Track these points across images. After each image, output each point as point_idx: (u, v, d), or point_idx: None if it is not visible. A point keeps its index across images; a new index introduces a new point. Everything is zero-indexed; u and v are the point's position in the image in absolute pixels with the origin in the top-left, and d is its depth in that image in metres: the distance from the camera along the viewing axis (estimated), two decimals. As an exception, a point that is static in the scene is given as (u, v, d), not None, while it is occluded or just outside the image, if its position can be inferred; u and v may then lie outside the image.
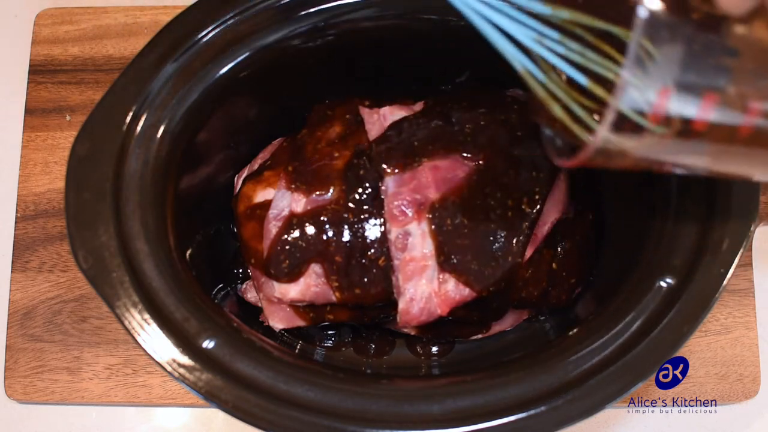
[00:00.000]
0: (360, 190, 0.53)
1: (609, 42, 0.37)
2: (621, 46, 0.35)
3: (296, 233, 0.53)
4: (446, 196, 0.52)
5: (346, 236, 0.53)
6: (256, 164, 0.59)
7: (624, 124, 0.34)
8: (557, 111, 0.36)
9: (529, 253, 0.53)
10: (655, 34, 0.33)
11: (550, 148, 0.40)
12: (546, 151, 0.41)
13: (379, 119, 0.56)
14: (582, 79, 0.35)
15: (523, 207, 0.53)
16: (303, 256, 0.53)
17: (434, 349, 0.61)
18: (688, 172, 0.40)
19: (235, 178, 0.60)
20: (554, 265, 0.56)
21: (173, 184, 0.52)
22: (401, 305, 0.53)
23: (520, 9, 0.37)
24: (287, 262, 0.53)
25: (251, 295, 0.59)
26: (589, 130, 0.36)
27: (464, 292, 0.53)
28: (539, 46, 0.36)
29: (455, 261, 0.52)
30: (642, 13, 0.32)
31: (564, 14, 0.38)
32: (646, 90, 0.33)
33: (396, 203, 0.52)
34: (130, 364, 0.61)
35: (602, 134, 0.34)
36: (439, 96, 0.58)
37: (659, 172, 0.40)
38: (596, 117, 0.36)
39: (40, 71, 0.68)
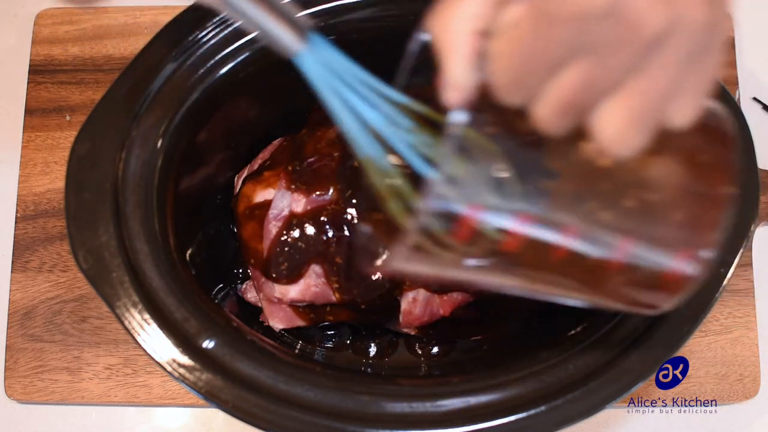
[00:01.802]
0: (361, 190, 0.53)
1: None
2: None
3: (296, 233, 0.53)
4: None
5: (347, 236, 0.53)
6: (256, 164, 0.59)
7: (430, 235, 0.32)
8: (392, 206, 0.34)
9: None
10: (470, 148, 0.31)
11: (364, 252, 0.39)
12: (358, 257, 0.39)
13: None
14: (427, 170, 0.33)
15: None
16: (303, 257, 0.53)
17: (434, 349, 0.60)
18: (503, 291, 0.37)
19: (235, 178, 0.60)
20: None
21: (173, 184, 0.52)
22: (404, 306, 0.53)
23: (378, 93, 0.35)
24: (287, 262, 0.53)
25: (251, 295, 0.59)
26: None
27: (466, 293, 0.53)
28: (391, 133, 0.34)
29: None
30: (455, 121, 0.31)
31: (418, 107, 0.36)
32: (454, 205, 0.32)
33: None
34: (130, 364, 0.61)
35: (399, 254, 0.32)
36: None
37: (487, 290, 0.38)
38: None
39: (40, 71, 0.68)
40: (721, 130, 0.36)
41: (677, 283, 0.36)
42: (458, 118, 0.31)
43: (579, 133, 0.31)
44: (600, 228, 0.34)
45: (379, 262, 0.36)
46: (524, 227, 0.33)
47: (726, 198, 0.35)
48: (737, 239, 0.47)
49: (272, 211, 0.54)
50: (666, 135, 0.32)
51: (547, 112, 0.30)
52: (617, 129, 0.29)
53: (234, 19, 0.35)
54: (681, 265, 0.35)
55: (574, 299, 0.38)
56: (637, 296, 0.37)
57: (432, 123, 0.35)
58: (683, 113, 0.31)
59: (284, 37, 0.34)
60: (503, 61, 0.29)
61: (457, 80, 0.30)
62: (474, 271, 0.35)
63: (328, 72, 0.35)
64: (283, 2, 0.34)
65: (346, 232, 0.53)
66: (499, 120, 0.32)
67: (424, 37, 0.35)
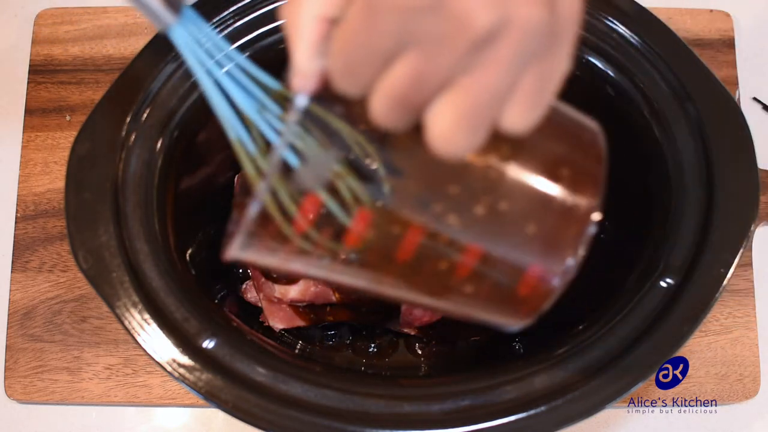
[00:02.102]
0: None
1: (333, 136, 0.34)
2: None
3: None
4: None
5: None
6: (256, 164, 0.59)
7: (269, 227, 0.31)
8: (260, 189, 0.33)
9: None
10: (316, 132, 0.31)
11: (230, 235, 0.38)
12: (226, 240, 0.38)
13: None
14: (293, 159, 0.32)
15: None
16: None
17: (434, 349, 0.60)
18: (353, 289, 0.37)
19: (235, 178, 0.60)
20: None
21: (173, 184, 0.52)
22: (403, 306, 0.53)
23: (251, 77, 0.34)
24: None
25: (251, 295, 0.59)
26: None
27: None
28: (260, 118, 0.33)
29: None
30: (297, 106, 0.30)
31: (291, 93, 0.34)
32: (293, 193, 0.31)
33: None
34: (130, 364, 0.61)
35: (242, 234, 0.32)
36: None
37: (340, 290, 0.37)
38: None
39: (40, 71, 0.68)
40: (590, 143, 0.35)
41: (530, 296, 0.35)
42: (299, 102, 0.30)
43: (414, 130, 0.30)
44: (447, 232, 0.33)
45: (224, 251, 0.35)
46: (364, 225, 0.32)
47: (587, 214, 0.33)
48: (737, 239, 0.47)
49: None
50: (523, 142, 0.31)
51: (380, 105, 0.29)
52: (445, 127, 0.29)
53: None
54: (533, 276, 0.34)
55: (424, 304, 0.37)
56: (487, 307, 0.36)
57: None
58: (518, 118, 0.29)
59: (156, 8, 0.33)
60: (335, 50, 0.29)
61: (301, 66, 0.30)
62: (317, 267, 0.35)
63: (200, 48, 0.34)
64: None
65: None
66: (347, 110, 0.31)
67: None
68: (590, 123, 0.35)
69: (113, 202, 0.48)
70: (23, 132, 0.67)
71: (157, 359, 0.45)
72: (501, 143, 0.31)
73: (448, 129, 0.29)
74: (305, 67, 0.30)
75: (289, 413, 0.44)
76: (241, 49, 0.52)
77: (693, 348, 0.61)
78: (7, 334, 0.62)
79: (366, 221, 0.32)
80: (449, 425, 0.44)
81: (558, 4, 0.28)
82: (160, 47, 0.51)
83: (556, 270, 0.34)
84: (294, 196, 0.32)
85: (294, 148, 0.31)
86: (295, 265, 0.35)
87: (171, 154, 0.51)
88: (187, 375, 0.45)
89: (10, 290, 0.63)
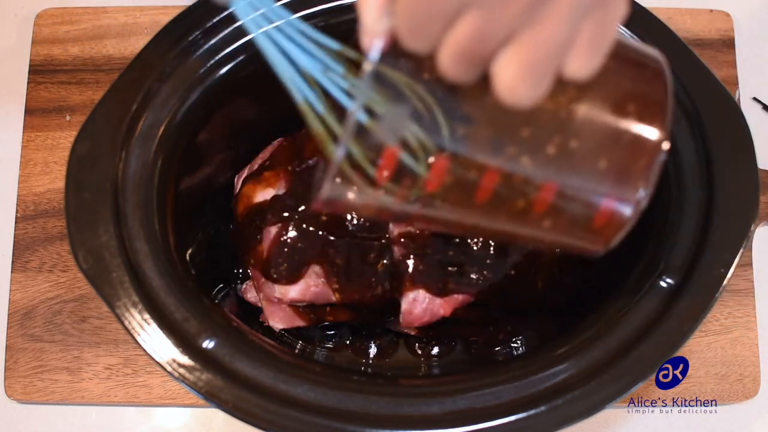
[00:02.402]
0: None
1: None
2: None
3: (296, 234, 0.53)
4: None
5: (347, 236, 0.53)
6: (256, 164, 0.59)
7: (354, 173, 0.33)
8: (330, 150, 0.34)
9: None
10: (387, 90, 0.32)
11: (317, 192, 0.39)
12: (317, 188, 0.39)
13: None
14: (362, 116, 0.33)
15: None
16: (302, 257, 0.53)
17: (434, 349, 0.60)
18: (437, 227, 0.38)
19: (235, 179, 0.60)
20: (552, 266, 0.56)
21: (173, 184, 0.52)
22: (404, 306, 0.53)
23: (311, 40, 0.35)
24: (287, 263, 0.53)
25: (251, 295, 0.59)
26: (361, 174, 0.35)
27: (467, 294, 0.53)
28: (324, 78, 0.34)
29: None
30: (370, 64, 0.31)
31: (351, 53, 0.36)
32: (374, 144, 0.32)
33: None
34: (130, 364, 0.61)
35: (328, 184, 0.33)
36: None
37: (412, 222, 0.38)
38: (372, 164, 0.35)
39: (40, 71, 0.68)
40: (654, 74, 0.35)
41: (605, 227, 0.36)
42: (371, 58, 0.32)
43: (482, 81, 0.31)
44: (521, 173, 0.34)
45: (317, 195, 0.36)
46: (443, 171, 0.33)
47: (656, 145, 0.34)
48: (737, 239, 0.47)
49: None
50: (589, 81, 0.32)
51: (448, 60, 0.30)
52: (511, 79, 0.30)
53: None
54: (608, 209, 0.35)
55: (506, 236, 0.38)
56: (565, 239, 0.37)
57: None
58: (580, 65, 0.31)
59: None
60: (402, 10, 0.30)
61: (370, 26, 0.31)
62: (403, 210, 0.36)
63: (262, 18, 0.35)
64: None
65: (347, 233, 0.53)
66: (416, 66, 0.32)
67: None
68: (653, 52, 0.36)
69: (113, 202, 0.48)
70: (23, 132, 0.67)
71: (157, 359, 0.45)
72: (567, 84, 0.32)
73: (513, 80, 0.30)
74: (374, 27, 0.31)
75: (289, 413, 0.44)
76: (241, 49, 0.52)
77: (693, 348, 0.61)
78: (7, 334, 0.62)
79: (443, 169, 0.33)
80: (449, 425, 0.44)
81: None
82: (160, 47, 0.51)
83: (630, 201, 0.35)
84: (371, 151, 0.33)
85: (366, 106, 0.32)
86: (382, 205, 0.36)
87: (171, 154, 0.51)
88: (187, 375, 0.45)
89: (10, 290, 0.63)
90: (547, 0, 0.29)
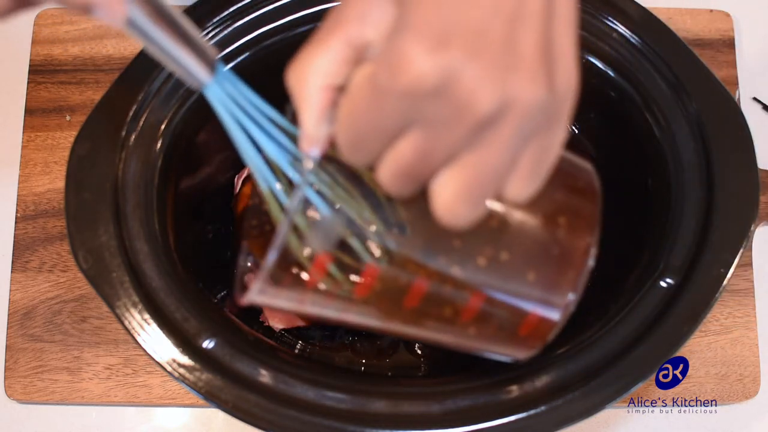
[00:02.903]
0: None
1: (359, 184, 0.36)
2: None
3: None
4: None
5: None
6: (256, 164, 0.59)
7: (279, 282, 0.34)
8: (277, 241, 0.34)
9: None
10: (323, 193, 0.32)
11: (239, 276, 0.40)
12: (237, 283, 0.40)
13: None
14: (325, 209, 0.34)
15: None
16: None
17: (434, 349, 0.60)
18: (366, 328, 0.39)
19: (235, 179, 0.60)
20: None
21: (173, 184, 0.52)
22: None
23: (281, 128, 0.35)
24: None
25: (251, 295, 0.59)
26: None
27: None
28: (293, 171, 0.34)
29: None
30: (306, 168, 0.32)
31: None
32: (306, 248, 0.33)
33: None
34: (130, 364, 0.61)
35: (259, 284, 0.34)
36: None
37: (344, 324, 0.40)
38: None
39: (40, 71, 0.68)
40: (585, 186, 0.36)
41: (532, 334, 0.37)
42: (308, 166, 0.32)
43: (425, 193, 0.31)
44: (451, 283, 0.34)
45: (242, 296, 0.37)
46: (372, 278, 0.34)
47: (584, 255, 0.35)
48: (737, 239, 0.47)
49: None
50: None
51: (386, 177, 0.30)
52: (448, 201, 0.30)
53: (145, 47, 0.35)
54: (535, 318, 0.36)
55: (432, 342, 0.39)
56: (491, 346, 0.38)
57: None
58: (519, 190, 0.31)
59: (193, 68, 0.34)
60: (343, 123, 0.30)
61: (309, 131, 0.32)
62: (329, 311, 0.37)
63: (232, 103, 0.35)
64: (191, 32, 0.34)
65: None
66: (352, 173, 0.33)
67: None
68: (584, 164, 0.37)
69: (113, 202, 0.48)
70: (23, 132, 0.67)
71: (157, 359, 0.45)
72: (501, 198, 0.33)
73: (451, 202, 0.30)
74: (313, 133, 0.32)
75: (289, 413, 0.44)
76: (241, 49, 0.52)
77: (693, 348, 0.61)
78: (7, 334, 0.62)
79: (373, 275, 0.34)
80: (449, 425, 0.44)
81: (556, 78, 0.29)
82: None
83: (557, 307, 0.35)
84: (305, 257, 0.34)
85: (311, 200, 0.33)
86: (310, 308, 0.37)
87: (171, 154, 0.51)
88: (187, 375, 0.45)
89: (10, 290, 0.63)
90: (490, 126, 0.28)
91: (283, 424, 0.44)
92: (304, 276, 0.34)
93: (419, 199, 0.31)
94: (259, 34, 0.53)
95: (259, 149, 0.35)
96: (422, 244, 0.34)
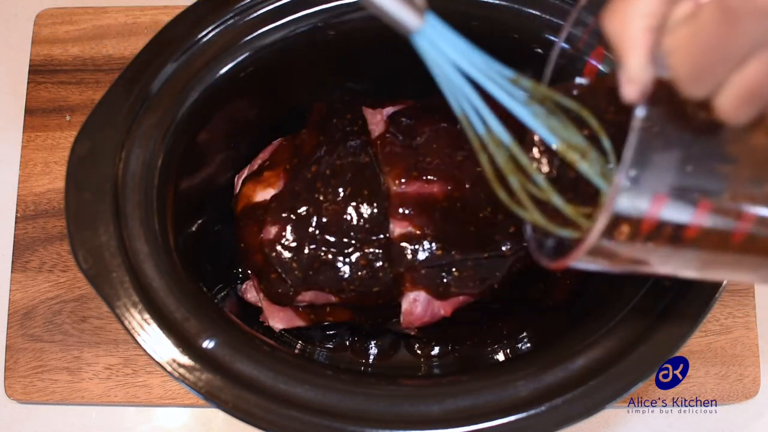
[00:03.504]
0: (361, 190, 0.53)
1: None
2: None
3: (294, 236, 0.53)
4: (451, 196, 0.52)
5: (348, 235, 0.53)
6: (256, 164, 0.59)
7: (614, 229, 0.33)
8: (514, 184, 0.36)
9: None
10: (651, 139, 0.32)
11: (535, 249, 0.39)
12: (531, 252, 0.39)
13: (383, 119, 0.56)
14: (551, 139, 0.35)
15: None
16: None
17: (434, 349, 0.60)
18: (679, 276, 0.39)
19: (235, 179, 0.60)
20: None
21: (173, 184, 0.52)
22: (405, 306, 0.53)
23: (494, 70, 0.36)
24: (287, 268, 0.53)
25: (251, 295, 0.59)
26: (576, 228, 0.36)
27: (468, 296, 0.53)
28: (520, 106, 0.35)
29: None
30: (639, 115, 0.31)
31: (527, 83, 0.37)
32: (640, 196, 0.32)
33: (401, 204, 0.52)
34: (130, 364, 0.61)
35: (592, 239, 0.33)
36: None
37: (645, 275, 0.39)
38: (583, 217, 0.36)
39: (40, 71, 0.68)
40: None
41: None
42: (641, 110, 0.32)
43: (758, 120, 0.32)
44: None
45: (557, 260, 0.37)
46: (705, 214, 0.34)
47: None
48: (737, 239, 0.47)
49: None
50: None
51: (730, 103, 0.31)
52: None
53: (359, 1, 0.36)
54: None
55: (740, 278, 0.39)
56: None
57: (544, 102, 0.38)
58: None
59: (403, 15, 0.35)
60: (685, 55, 0.30)
61: (636, 74, 0.32)
62: (652, 261, 0.36)
63: (444, 49, 0.36)
64: None
65: (347, 233, 0.53)
66: (675, 113, 0.33)
67: (563, 44, 0.40)
68: None
69: (113, 202, 0.48)
70: (23, 132, 0.67)
71: (157, 359, 0.45)
72: None
73: None
74: (641, 76, 0.32)
75: (289, 413, 0.44)
76: (241, 49, 0.52)
77: (693, 348, 0.61)
78: (7, 334, 0.62)
79: (706, 212, 0.34)
80: (449, 425, 0.44)
81: None
82: (160, 47, 0.51)
83: None
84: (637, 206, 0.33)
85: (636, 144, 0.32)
86: (627, 266, 0.37)
87: (171, 154, 0.51)
88: (187, 375, 0.45)
89: (10, 290, 0.63)
90: None
91: (283, 424, 0.44)
92: (624, 230, 0.33)
93: (743, 129, 0.32)
94: (259, 34, 0.53)
95: (470, 93, 0.35)
96: (751, 173, 0.34)
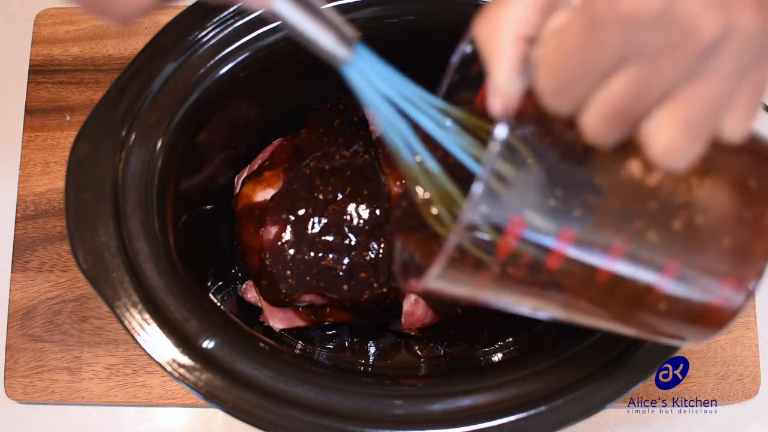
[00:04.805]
0: (362, 191, 0.53)
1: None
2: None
3: (293, 238, 0.53)
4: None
5: (348, 236, 0.53)
6: (255, 164, 0.59)
7: (463, 260, 0.31)
8: (436, 214, 0.34)
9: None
10: (514, 159, 0.30)
11: (400, 270, 0.38)
12: (395, 270, 0.38)
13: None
14: (490, 185, 0.31)
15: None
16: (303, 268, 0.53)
17: (434, 350, 0.60)
18: (544, 316, 0.36)
19: (235, 179, 0.60)
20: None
21: (173, 184, 0.52)
22: (406, 307, 0.53)
23: (422, 100, 0.34)
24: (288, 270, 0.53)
25: (251, 295, 0.59)
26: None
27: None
28: (438, 133, 0.33)
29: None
30: (499, 131, 0.29)
31: (457, 113, 0.35)
32: (496, 218, 0.30)
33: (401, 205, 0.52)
34: (130, 364, 0.61)
35: (436, 270, 0.32)
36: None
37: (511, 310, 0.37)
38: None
39: (40, 71, 0.68)
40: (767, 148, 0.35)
41: (717, 314, 0.35)
42: (502, 126, 0.29)
43: (625, 148, 0.30)
44: (647, 249, 0.32)
45: (413, 281, 0.35)
46: (568, 245, 0.32)
47: None
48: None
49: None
50: (715, 156, 0.31)
51: (594, 121, 0.29)
52: (670, 139, 0.28)
53: (283, 28, 0.35)
54: (725, 294, 0.34)
55: (604, 326, 0.37)
56: (673, 327, 0.36)
57: (474, 131, 0.35)
58: (737, 125, 0.29)
59: (332, 46, 0.35)
60: (549, 67, 0.29)
61: (503, 86, 0.30)
62: (511, 293, 0.34)
63: (373, 80, 0.35)
64: (329, 11, 0.35)
65: (348, 233, 0.53)
66: (544, 131, 0.31)
67: (467, 48, 0.35)
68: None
69: (113, 202, 0.48)
70: (23, 132, 0.67)
71: (157, 359, 0.45)
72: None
73: (672, 140, 0.28)
74: (508, 88, 0.30)
75: (289, 413, 0.44)
76: (241, 49, 0.52)
77: (693, 348, 0.61)
78: (7, 334, 0.62)
79: (569, 240, 0.32)
80: (449, 425, 0.44)
81: (765, 8, 0.28)
82: (160, 47, 0.51)
83: (748, 283, 0.34)
84: (491, 229, 0.31)
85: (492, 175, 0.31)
86: (487, 294, 0.35)
87: (171, 154, 0.51)
88: (187, 375, 0.45)
89: (10, 290, 0.63)
90: (712, 55, 0.27)
91: (283, 424, 0.44)
92: (480, 258, 0.31)
93: (613, 157, 0.30)
94: (259, 34, 0.53)
95: (399, 123, 0.34)
96: (619, 206, 0.32)
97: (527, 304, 0.35)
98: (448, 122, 0.35)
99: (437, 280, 0.33)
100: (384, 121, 0.35)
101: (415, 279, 0.36)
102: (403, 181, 0.52)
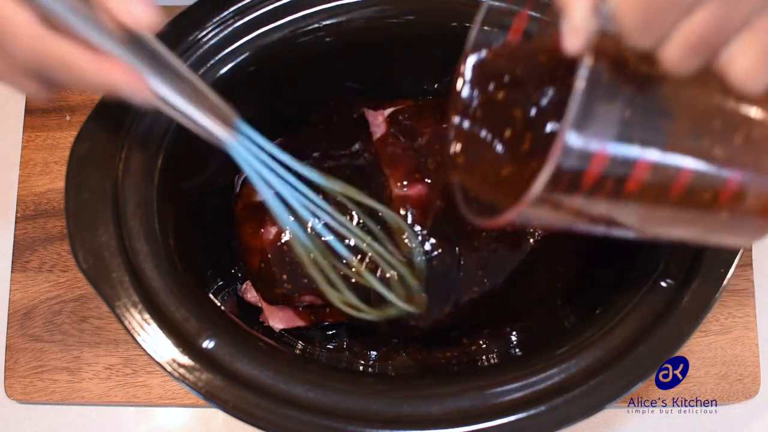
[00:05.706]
0: (361, 190, 0.53)
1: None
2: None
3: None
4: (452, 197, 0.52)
5: (348, 237, 0.53)
6: (256, 164, 0.59)
7: (557, 183, 0.33)
8: (314, 276, 0.42)
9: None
10: (594, 94, 0.32)
11: (467, 209, 0.40)
12: (463, 212, 0.40)
13: (384, 120, 0.56)
14: (342, 248, 0.41)
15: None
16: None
17: (434, 351, 0.60)
18: (619, 233, 0.39)
19: (235, 179, 0.60)
20: (554, 264, 0.56)
21: (173, 184, 0.52)
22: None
23: (297, 175, 0.40)
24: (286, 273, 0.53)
25: (251, 295, 0.59)
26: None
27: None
28: (307, 212, 0.40)
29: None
30: (586, 65, 0.31)
31: (336, 187, 0.42)
32: (583, 151, 0.33)
33: (402, 206, 0.52)
34: (130, 364, 0.61)
35: (535, 192, 0.33)
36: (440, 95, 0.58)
37: (583, 231, 0.39)
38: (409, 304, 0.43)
39: (40, 71, 0.68)
40: None
41: None
42: (588, 58, 0.31)
43: (695, 75, 0.32)
44: (713, 163, 0.35)
45: (494, 217, 0.37)
46: (647, 167, 0.34)
47: None
48: (737, 239, 0.47)
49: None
50: None
51: (677, 52, 0.31)
52: (748, 66, 0.31)
53: (168, 114, 0.39)
54: None
55: (676, 233, 0.39)
56: (733, 231, 0.39)
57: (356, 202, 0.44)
58: None
59: (214, 129, 0.39)
60: (632, 4, 0.30)
61: (579, 25, 0.31)
62: (594, 214, 0.37)
63: (254, 155, 0.40)
64: (211, 95, 0.38)
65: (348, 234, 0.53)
66: (616, 68, 0.33)
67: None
68: None
69: (113, 202, 0.48)
70: (23, 132, 0.67)
71: (157, 359, 0.45)
72: None
73: (751, 66, 0.31)
74: (584, 26, 0.31)
75: (289, 413, 0.44)
76: (241, 49, 0.52)
77: (693, 348, 0.61)
78: (7, 334, 0.62)
79: (646, 167, 0.34)
80: (449, 425, 0.44)
81: None
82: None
83: None
84: (584, 151, 0.33)
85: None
86: (573, 219, 0.37)
87: (171, 154, 0.51)
88: (187, 375, 0.45)
89: (10, 290, 0.63)
90: None
91: (283, 424, 0.44)
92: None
93: (681, 83, 0.33)
94: (259, 34, 0.53)
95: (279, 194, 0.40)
96: (689, 128, 0.35)
97: (612, 215, 0.38)
98: (315, 196, 0.42)
99: (525, 211, 0.35)
100: (264, 194, 0.40)
101: (481, 216, 0.38)
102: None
